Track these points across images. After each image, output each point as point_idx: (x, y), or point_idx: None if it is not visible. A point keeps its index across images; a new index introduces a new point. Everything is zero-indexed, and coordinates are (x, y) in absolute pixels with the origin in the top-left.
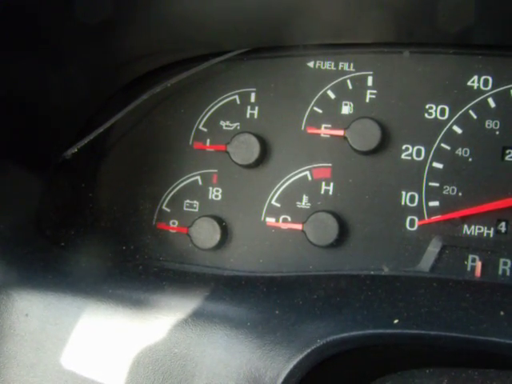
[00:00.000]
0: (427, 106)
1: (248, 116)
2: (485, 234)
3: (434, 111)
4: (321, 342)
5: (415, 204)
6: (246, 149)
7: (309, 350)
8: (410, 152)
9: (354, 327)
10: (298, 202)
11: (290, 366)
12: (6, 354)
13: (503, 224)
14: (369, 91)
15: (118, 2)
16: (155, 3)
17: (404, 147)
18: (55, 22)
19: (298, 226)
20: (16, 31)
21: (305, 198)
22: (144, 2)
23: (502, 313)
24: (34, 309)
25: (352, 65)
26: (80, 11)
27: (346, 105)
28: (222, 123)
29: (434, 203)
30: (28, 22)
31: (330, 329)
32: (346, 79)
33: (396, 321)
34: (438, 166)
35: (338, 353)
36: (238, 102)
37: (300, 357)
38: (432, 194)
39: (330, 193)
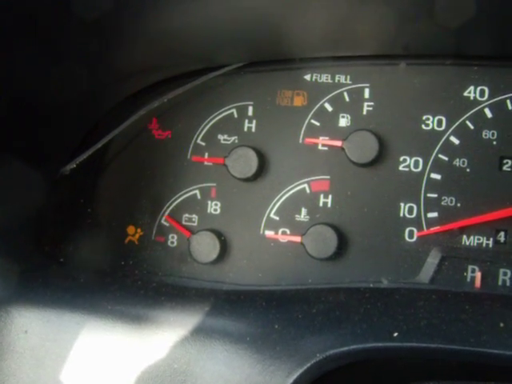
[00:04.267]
0: (424, 117)
1: (246, 129)
2: (484, 245)
3: (430, 122)
4: (320, 357)
5: (414, 215)
6: (244, 162)
7: (308, 365)
8: (408, 163)
9: (354, 341)
10: (296, 215)
11: (290, 380)
12: (5, 371)
13: (502, 234)
14: (366, 103)
15: (115, 20)
16: (151, 19)
17: (402, 159)
18: (54, 29)
19: (297, 239)
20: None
21: (303, 210)
22: (140, 18)
23: (501, 324)
24: (33, 325)
25: (349, 77)
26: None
27: (343, 117)
28: (220, 137)
29: (433, 214)
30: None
31: (330, 343)
32: (342, 92)
33: (396, 334)
34: (436, 176)
35: (337, 367)
36: (236, 115)
37: (300, 371)
38: (430, 205)
39: (329, 205)
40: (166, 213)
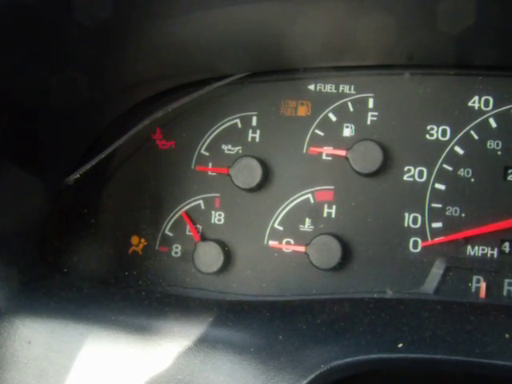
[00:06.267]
0: (428, 127)
1: (249, 140)
2: (489, 255)
3: (435, 132)
4: (325, 368)
5: (418, 225)
6: (247, 172)
7: (313, 376)
8: (412, 173)
9: (358, 352)
10: (300, 225)
11: None
12: (9, 381)
13: (507, 244)
14: (370, 113)
15: (118, 30)
16: (154, 30)
17: (406, 169)
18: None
19: (301, 249)
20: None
21: (307, 220)
22: (143, 28)
23: (506, 335)
24: (36, 336)
25: (353, 87)
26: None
27: (347, 127)
28: (224, 147)
29: (437, 224)
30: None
31: (334, 354)
32: (346, 101)
33: (400, 345)
34: (441, 187)
35: (342, 378)
36: (240, 125)
37: (304, 382)
38: (435, 215)
39: (333, 215)
40: (170, 223)
